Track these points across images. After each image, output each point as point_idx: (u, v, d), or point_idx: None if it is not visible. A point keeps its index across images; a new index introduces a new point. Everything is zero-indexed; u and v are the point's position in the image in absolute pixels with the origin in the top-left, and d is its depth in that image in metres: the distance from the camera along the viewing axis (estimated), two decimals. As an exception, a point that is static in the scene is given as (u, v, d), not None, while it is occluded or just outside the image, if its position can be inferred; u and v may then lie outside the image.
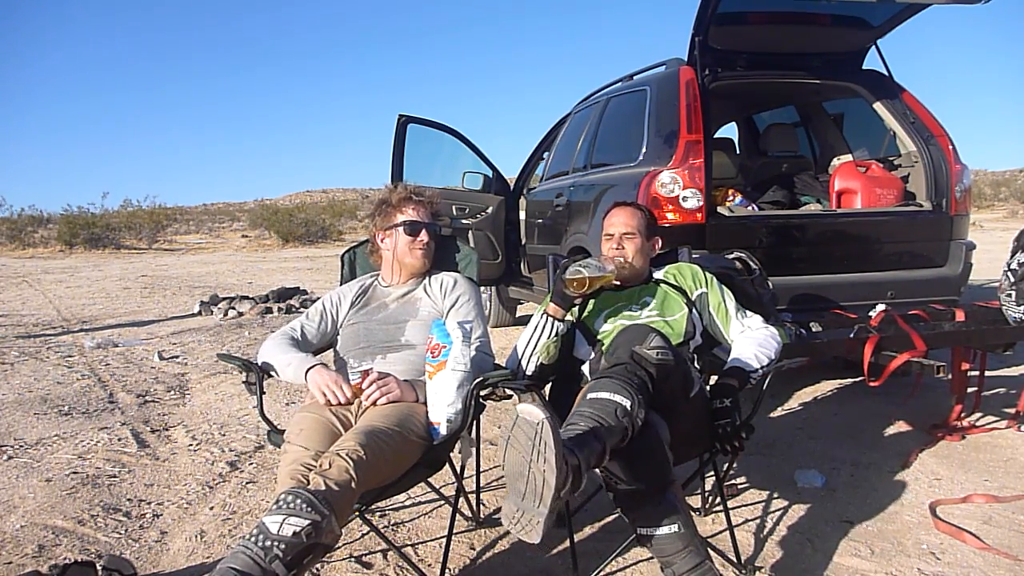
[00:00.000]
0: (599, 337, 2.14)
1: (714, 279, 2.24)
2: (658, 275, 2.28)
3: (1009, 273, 3.00)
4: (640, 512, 1.68)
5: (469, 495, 2.39)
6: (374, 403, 1.93)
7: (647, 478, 1.67)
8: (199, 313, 7.16)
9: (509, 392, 1.91)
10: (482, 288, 3.94)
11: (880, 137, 4.00)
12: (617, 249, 2.19)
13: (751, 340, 2.09)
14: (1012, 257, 3.02)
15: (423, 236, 2.24)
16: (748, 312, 2.21)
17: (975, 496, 2.43)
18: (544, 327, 2.07)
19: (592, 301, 2.22)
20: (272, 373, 2.09)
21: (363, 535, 2.26)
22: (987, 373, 3.26)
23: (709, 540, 2.09)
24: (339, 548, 2.11)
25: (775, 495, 2.51)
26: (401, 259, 2.25)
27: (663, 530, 1.65)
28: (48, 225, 20.77)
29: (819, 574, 2.00)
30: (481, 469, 2.49)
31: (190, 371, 4.65)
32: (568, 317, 2.13)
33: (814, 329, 3.01)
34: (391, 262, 2.27)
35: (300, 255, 16.19)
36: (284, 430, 1.94)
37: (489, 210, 5.13)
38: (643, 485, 1.67)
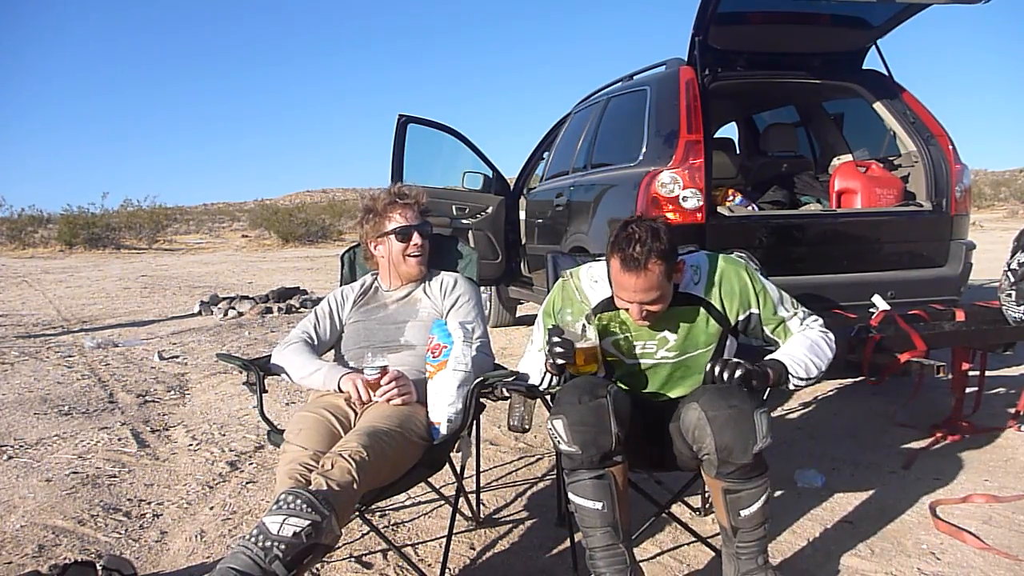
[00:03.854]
0: (609, 360, 1.92)
1: (765, 288, 1.90)
2: (697, 290, 1.86)
3: (1009, 273, 2.99)
4: (574, 479, 1.69)
5: (469, 495, 2.39)
6: (388, 401, 1.93)
7: (582, 443, 1.65)
8: (199, 313, 7.16)
9: (507, 393, 1.91)
10: (482, 288, 3.94)
11: (880, 137, 4.00)
12: (642, 317, 1.78)
13: (808, 342, 1.84)
14: (1012, 257, 3.01)
15: (415, 239, 2.22)
16: (798, 307, 1.93)
17: (975, 496, 2.43)
18: (549, 381, 1.89)
19: (604, 319, 1.89)
20: (281, 375, 2.09)
21: (363, 535, 2.26)
22: (987, 373, 3.26)
23: (709, 540, 2.09)
24: (339, 548, 2.11)
25: (775, 495, 2.51)
26: (396, 267, 2.24)
27: (589, 503, 1.67)
28: (48, 225, 20.75)
29: (819, 574, 2.00)
30: (481, 469, 2.49)
31: (190, 371, 4.65)
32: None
33: None
34: (387, 268, 2.27)
35: (300, 255, 16.19)
36: (284, 430, 1.94)
37: (489, 210, 5.13)
38: (579, 449, 1.65)
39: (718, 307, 1.86)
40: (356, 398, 1.95)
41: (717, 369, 1.69)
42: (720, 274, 1.87)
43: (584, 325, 1.79)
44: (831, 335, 1.89)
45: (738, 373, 1.68)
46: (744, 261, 1.96)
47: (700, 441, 1.67)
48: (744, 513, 1.70)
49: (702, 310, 1.86)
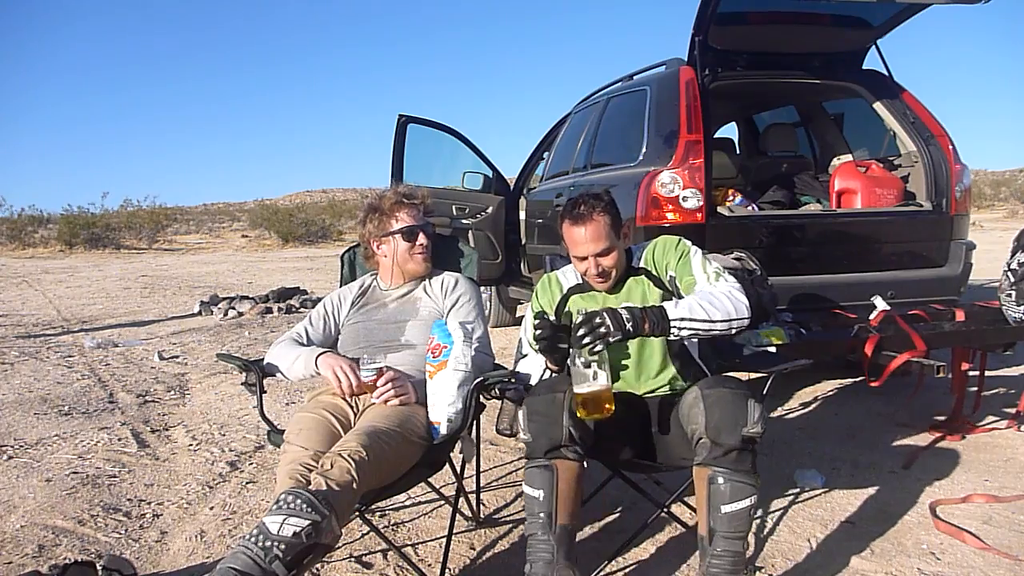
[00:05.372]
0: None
1: (687, 252, 1.98)
2: (639, 263, 2.06)
3: (1009, 273, 2.99)
4: (527, 467, 1.77)
5: (469, 495, 2.39)
6: (385, 402, 1.93)
7: (535, 432, 1.75)
8: (199, 313, 7.16)
9: (499, 393, 1.92)
10: (482, 288, 3.94)
11: (880, 137, 4.00)
12: (598, 273, 1.95)
13: (703, 292, 1.83)
14: (1012, 257, 3.01)
15: (421, 239, 2.23)
16: (723, 274, 1.91)
17: (975, 496, 2.43)
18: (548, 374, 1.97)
19: (571, 303, 2.06)
20: (276, 374, 2.09)
21: (363, 535, 2.26)
22: (987, 373, 3.26)
23: (709, 540, 2.09)
24: (339, 548, 2.11)
25: (775, 495, 2.51)
26: (402, 265, 2.24)
27: (531, 491, 1.74)
28: (48, 225, 20.77)
29: (819, 574, 2.00)
30: (481, 469, 2.49)
31: (190, 371, 4.65)
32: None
33: (814, 329, 3.01)
34: (390, 267, 2.26)
35: (300, 255, 16.19)
36: (284, 430, 1.94)
37: (489, 210, 5.13)
38: (531, 437, 1.75)
39: (654, 272, 2.02)
40: (336, 385, 1.95)
41: (575, 326, 1.70)
42: (654, 244, 2.06)
43: (595, 372, 1.68)
44: (739, 294, 1.82)
45: (595, 336, 1.66)
46: (679, 236, 2.08)
47: (694, 421, 1.73)
48: (725, 509, 1.67)
49: (644, 277, 2.03)
